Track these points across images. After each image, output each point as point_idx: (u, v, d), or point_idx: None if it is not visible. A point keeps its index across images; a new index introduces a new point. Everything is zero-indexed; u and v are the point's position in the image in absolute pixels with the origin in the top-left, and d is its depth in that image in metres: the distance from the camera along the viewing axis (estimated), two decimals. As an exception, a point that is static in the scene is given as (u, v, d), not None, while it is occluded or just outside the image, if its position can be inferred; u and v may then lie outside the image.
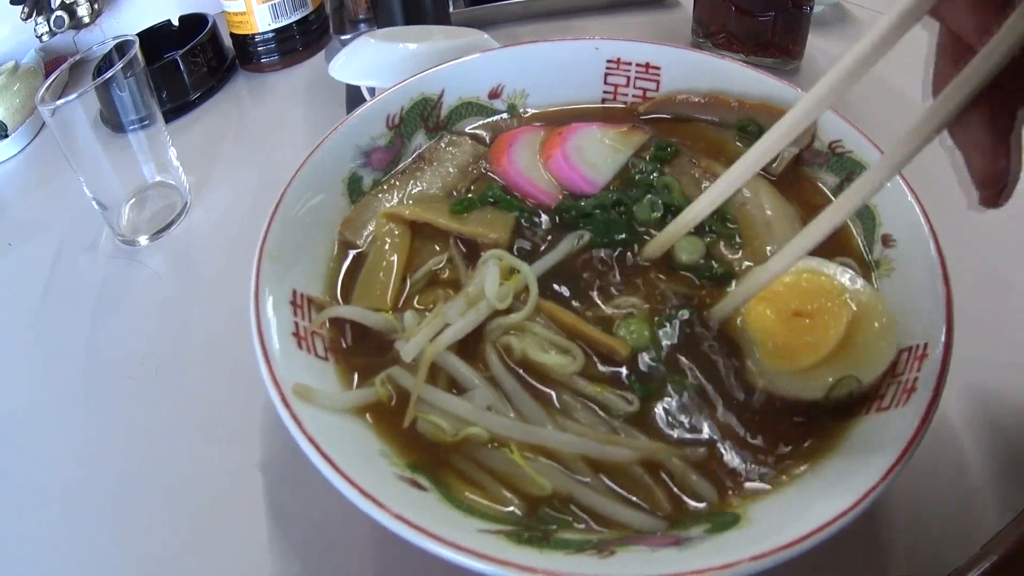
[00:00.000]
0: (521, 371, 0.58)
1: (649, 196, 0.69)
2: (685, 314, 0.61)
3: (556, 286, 0.63)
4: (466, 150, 0.76)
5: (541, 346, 0.59)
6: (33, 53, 1.22)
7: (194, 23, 1.16)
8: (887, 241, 0.64)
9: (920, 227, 0.60)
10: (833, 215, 0.54)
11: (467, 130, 0.79)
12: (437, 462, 0.53)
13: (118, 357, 0.75)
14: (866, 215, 0.67)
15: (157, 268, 0.84)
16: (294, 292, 0.60)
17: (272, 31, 1.14)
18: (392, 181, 0.74)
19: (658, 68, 0.80)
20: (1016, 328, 0.69)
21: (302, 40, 1.18)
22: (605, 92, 0.82)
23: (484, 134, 0.79)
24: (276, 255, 0.61)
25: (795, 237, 0.56)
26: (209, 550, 0.59)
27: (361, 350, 0.61)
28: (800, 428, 0.55)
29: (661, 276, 0.64)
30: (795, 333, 0.58)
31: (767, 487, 0.52)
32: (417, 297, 0.64)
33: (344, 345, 0.61)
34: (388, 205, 0.70)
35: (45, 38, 1.19)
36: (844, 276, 0.60)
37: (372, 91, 0.90)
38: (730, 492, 0.52)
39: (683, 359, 0.59)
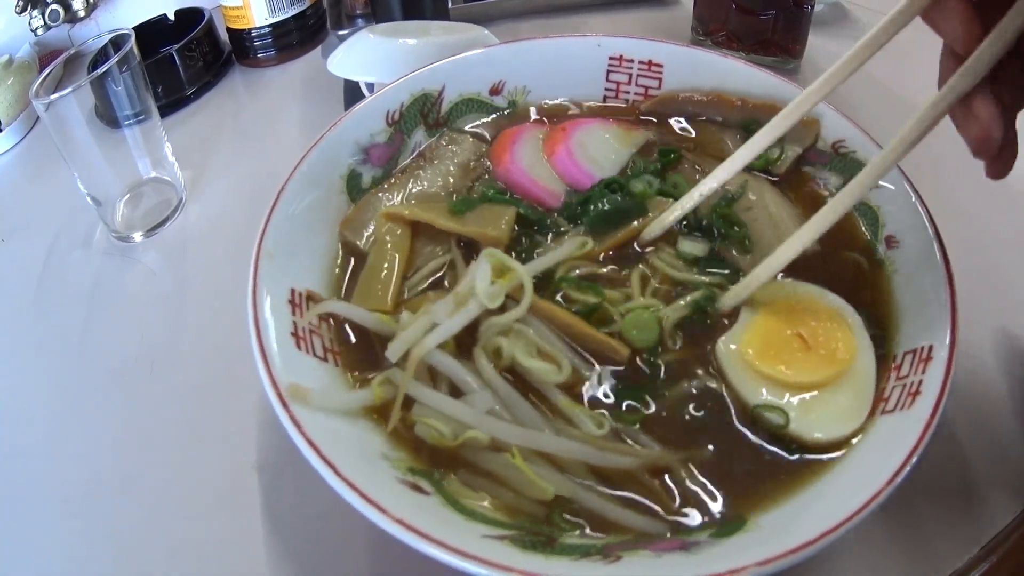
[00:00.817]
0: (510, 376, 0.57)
1: (646, 175, 0.70)
2: (689, 308, 0.61)
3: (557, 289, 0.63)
4: (467, 148, 0.76)
5: (530, 351, 0.58)
6: (27, 47, 1.22)
7: (190, 17, 1.16)
8: (891, 242, 0.64)
9: (924, 229, 0.61)
10: (835, 207, 0.56)
11: (468, 128, 0.79)
12: (440, 465, 0.53)
13: (112, 355, 0.75)
14: (869, 216, 0.67)
15: (152, 265, 0.84)
16: (292, 291, 0.60)
17: (269, 26, 1.13)
18: (392, 180, 0.74)
19: (660, 66, 0.80)
20: (1018, 328, 0.70)
21: (299, 35, 1.18)
22: (607, 89, 0.81)
23: (485, 133, 0.78)
24: (274, 253, 0.60)
25: (801, 229, 0.57)
26: (205, 551, 0.59)
27: (361, 351, 0.60)
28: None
29: (666, 270, 0.64)
30: (786, 345, 0.59)
31: (771, 491, 0.52)
32: (417, 298, 0.63)
33: (342, 346, 0.60)
34: (388, 204, 0.70)
35: (40, 32, 1.19)
36: (863, 336, 0.59)
37: (371, 87, 0.89)
38: (734, 496, 0.52)
39: (685, 361, 0.59)
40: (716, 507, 0.52)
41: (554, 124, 0.77)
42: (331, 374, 0.57)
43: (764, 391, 0.57)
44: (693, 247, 0.66)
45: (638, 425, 0.55)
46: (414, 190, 0.72)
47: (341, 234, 0.68)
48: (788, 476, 0.53)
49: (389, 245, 0.66)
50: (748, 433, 0.55)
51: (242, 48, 1.16)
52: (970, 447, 0.62)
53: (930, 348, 0.54)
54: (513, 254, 0.65)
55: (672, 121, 0.79)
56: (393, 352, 0.55)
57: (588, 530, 0.50)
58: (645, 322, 0.60)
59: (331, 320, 0.61)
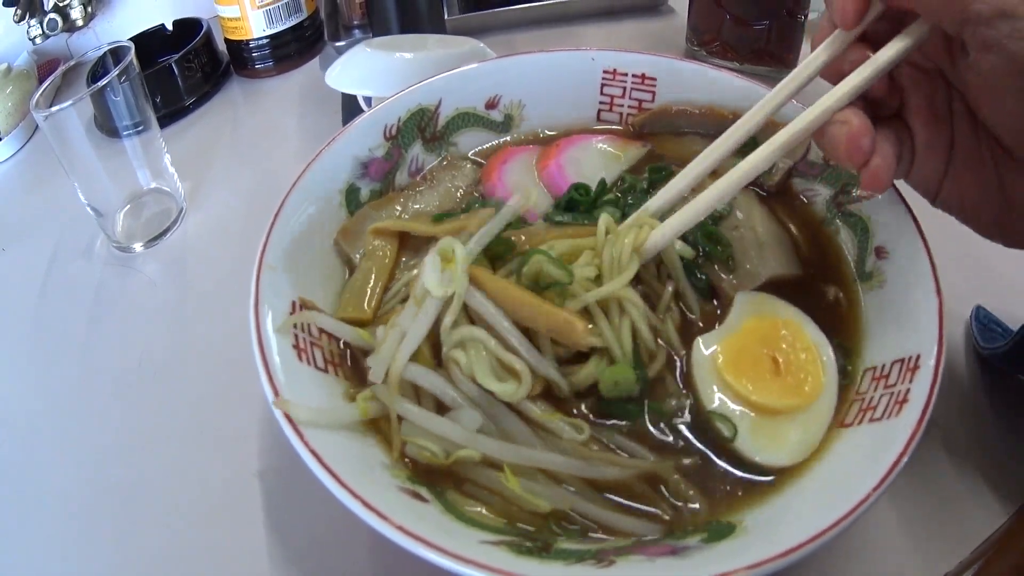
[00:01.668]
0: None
1: (609, 208, 0.69)
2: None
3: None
4: (466, 173, 0.77)
5: (491, 368, 0.56)
6: (26, 55, 1.23)
7: (188, 28, 1.18)
8: (880, 253, 0.65)
9: (914, 238, 0.61)
10: (761, 154, 0.59)
11: (470, 155, 0.80)
12: (437, 480, 0.54)
13: (114, 364, 0.76)
14: (860, 228, 0.68)
15: (153, 275, 0.85)
16: (293, 304, 0.61)
17: (267, 37, 1.15)
18: (390, 196, 0.75)
19: (654, 79, 0.81)
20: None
21: (296, 46, 1.20)
22: (601, 103, 0.83)
23: (484, 162, 0.79)
24: (275, 266, 0.61)
25: (732, 172, 0.60)
26: (207, 557, 0.60)
27: (357, 362, 0.62)
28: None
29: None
30: (758, 364, 0.60)
31: (760, 497, 0.53)
32: (391, 309, 0.64)
33: (342, 357, 0.62)
34: (383, 220, 0.71)
35: (38, 41, 1.21)
36: (832, 376, 0.60)
37: (368, 100, 0.91)
38: (724, 501, 0.53)
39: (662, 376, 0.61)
40: (707, 513, 0.53)
41: (548, 145, 0.78)
42: (331, 385, 0.58)
43: (721, 400, 0.59)
44: (682, 249, 0.67)
45: (625, 433, 0.57)
46: (410, 208, 0.73)
47: (337, 244, 0.70)
48: (777, 483, 0.54)
49: (375, 258, 0.68)
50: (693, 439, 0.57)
51: (240, 59, 1.18)
52: (960, 450, 0.63)
53: (917, 357, 0.55)
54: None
55: (665, 136, 0.80)
56: (375, 374, 0.55)
57: (585, 535, 0.52)
58: (623, 380, 0.57)
59: (330, 335, 0.62)
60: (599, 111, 0.83)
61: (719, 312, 0.65)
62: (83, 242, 0.90)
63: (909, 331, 0.58)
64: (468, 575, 0.43)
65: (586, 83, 0.82)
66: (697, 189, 0.62)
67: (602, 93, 0.82)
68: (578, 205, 0.70)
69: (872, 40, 0.55)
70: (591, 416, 0.58)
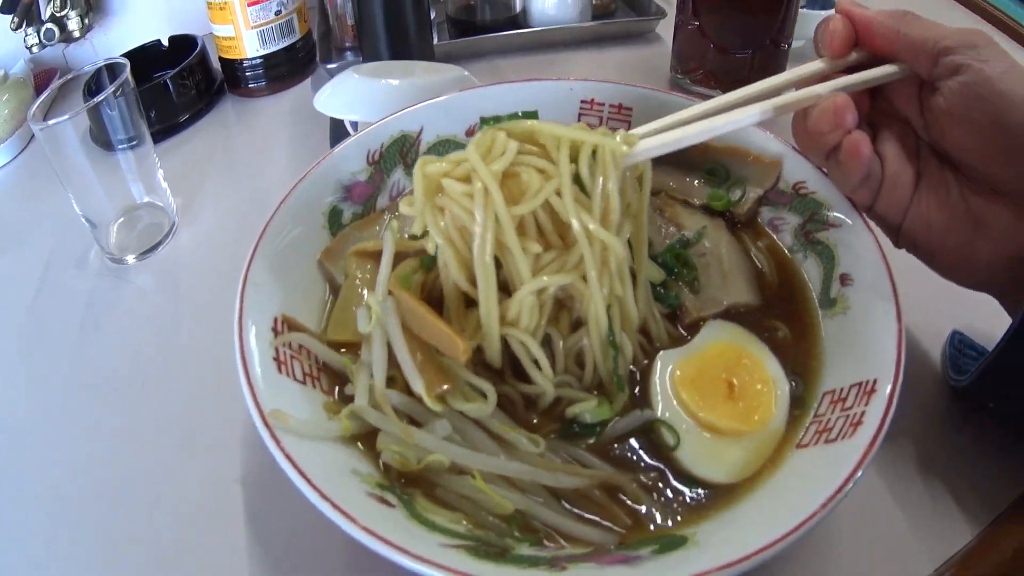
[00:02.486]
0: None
1: None
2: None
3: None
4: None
5: (460, 390, 0.61)
6: (22, 63, 1.26)
7: (183, 44, 1.20)
8: (845, 280, 0.67)
9: (878, 265, 0.64)
10: (750, 111, 0.63)
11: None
12: (408, 485, 0.58)
13: (103, 370, 0.78)
14: (826, 255, 0.70)
15: (144, 286, 0.88)
16: (275, 319, 0.64)
17: (260, 57, 1.18)
18: (371, 218, 0.78)
19: (630, 109, 0.83)
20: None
21: (289, 67, 1.22)
22: (578, 131, 0.85)
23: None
24: (259, 283, 0.64)
25: (721, 116, 0.64)
26: (189, 560, 0.62)
27: (335, 376, 0.65)
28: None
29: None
30: (713, 385, 0.63)
31: (715, 510, 0.56)
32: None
33: (320, 371, 0.65)
34: (364, 242, 0.73)
35: (35, 50, 1.22)
36: (783, 411, 0.62)
37: (355, 124, 0.94)
38: (677, 515, 0.57)
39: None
40: (660, 525, 0.56)
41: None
42: (309, 396, 0.61)
43: (672, 412, 0.62)
44: (652, 271, 0.70)
45: (584, 448, 0.60)
46: (391, 224, 0.74)
47: (320, 264, 0.73)
48: (730, 500, 0.57)
49: (359, 280, 0.70)
50: (690, 457, 0.59)
51: (234, 77, 1.21)
52: (927, 467, 0.65)
53: (874, 381, 0.57)
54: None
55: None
56: (361, 409, 0.59)
57: (544, 542, 0.55)
58: (599, 411, 0.62)
59: (308, 348, 0.65)
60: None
61: (686, 335, 0.68)
62: (77, 252, 0.93)
63: (869, 356, 0.60)
64: (428, 574, 0.46)
65: (564, 112, 0.84)
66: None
67: (579, 122, 0.84)
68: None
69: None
70: (553, 433, 0.62)
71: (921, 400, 0.69)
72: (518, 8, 1.30)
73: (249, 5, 1.13)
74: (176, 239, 0.94)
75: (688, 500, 0.58)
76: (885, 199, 0.63)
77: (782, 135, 0.76)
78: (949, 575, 0.58)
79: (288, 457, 0.51)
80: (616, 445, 0.61)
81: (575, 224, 0.57)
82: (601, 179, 0.58)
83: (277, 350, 0.62)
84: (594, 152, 0.58)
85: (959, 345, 0.69)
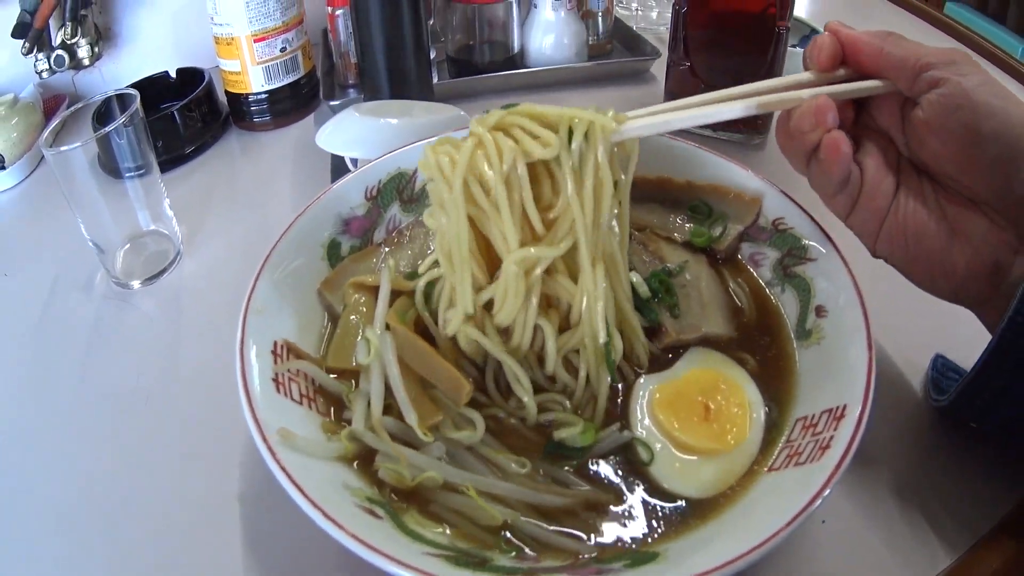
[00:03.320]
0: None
1: None
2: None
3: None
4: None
5: (451, 418, 0.66)
6: (32, 88, 1.29)
7: (191, 77, 1.24)
8: (820, 312, 0.71)
9: (852, 297, 0.67)
10: (735, 106, 0.65)
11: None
12: (402, 500, 0.62)
13: (107, 390, 0.80)
14: (803, 288, 0.74)
15: (149, 311, 0.91)
16: (275, 343, 0.68)
17: (265, 92, 1.22)
18: (369, 250, 0.82)
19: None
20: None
21: (293, 103, 1.26)
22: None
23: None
24: (261, 309, 0.69)
25: (707, 107, 0.67)
26: (188, 570, 0.64)
27: (331, 399, 0.69)
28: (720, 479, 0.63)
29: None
30: (689, 407, 0.67)
31: (686, 530, 0.59)
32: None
33: (316, 393, 0.69)
34: (361, 274, 0.77)
35: (45, 75, 1.26)
36: (757, 432, 0.66)
37: (355, 161, 0.97)
38: (652, 532, 0.60)
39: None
40: (635, 540, 0.59)
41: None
42: (306, 416, 0.65)
43: (647, 430, 0.66)
44: (639, 284, 0.74)
45: (568, 469, 0.64)
46: (387, 263, 0.80)
47: (320, 294, 0.77)
48: (700, 520, 0.60)
49: (357, 310, 0.74)
50: (661, 476, 0.63)
51: (239, 111, 1.25)
52: (907, 492, 0.67)
53: (844, 407, 0.59)
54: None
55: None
56: (360, 432, 0.64)
57: (527, 550, 0.58)
58: (584, 437, 0.66)
59: (306, 374, 0.69)
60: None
61: (666, 355, 0.73)
62: (83, 275, 0.95)
63: (842, 383, 0.62)
64: None
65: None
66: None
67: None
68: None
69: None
70: (538, 455, 0.65)
71: (898, 428, 0.72)
72: (516, 48, 1.35)
73: (255, 41, 1.17)
74: (180, 266, 0.96)
75: (661, 518, 0.61)
76: (864, 207, 0.66)
77: (762, 172, 0.81)
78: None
79: (284, 470, 0.55)
80: (597, 462, 0.65)
81: (569, 187, 0.62)
82: (592, 153, 0.62)
83: (276, 372, 0.66)
84: (587, 134, 0.62)
85: (941, 368, 0.72)
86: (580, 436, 0.66)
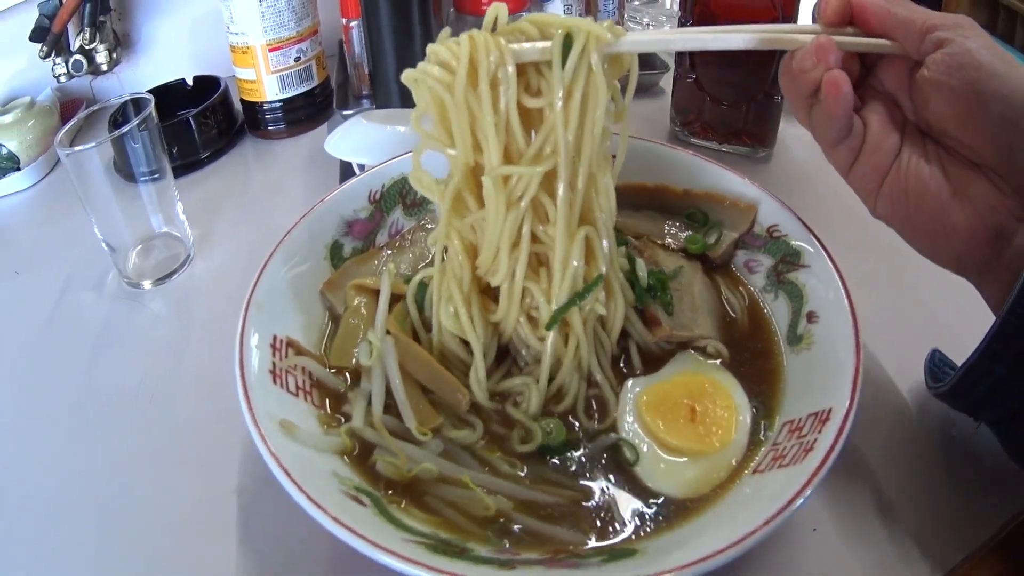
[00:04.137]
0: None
1: None
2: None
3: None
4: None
5: (450, 420, 0.69)
6: (49, 92, 1.33)
7: (207, 84, 1.27)
8: (811, 318, 0.72)
9: (842, 303, 0.68)
10: (736, 38, 0.65)
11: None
12: (398, 493, 0.64)
13: (114, 386, 0.83)
14: (795, 295, 0.75)
15: (159, 311, 0.93)
16: (275, 337, 0.70)
17: (280, 101, 1.24)
18: (371, 253, 0.85)
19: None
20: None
21: (307, 112, 1.28)
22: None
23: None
24: (262, 304, 0.71)
25: (708, 31, 0.66)
26: (183, 563, 0.66)
27: (326, 393, 0.72)
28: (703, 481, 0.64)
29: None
30: (675, 409, 0.69)
31: (667, 528, 0.61)
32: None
33: (312, 387, 0.71)
34: (363, 276, 0.80)
35: (62, 79, 1.29)
36: (742, 436, 0.67)
37: (363, 167, 0.97)
38: (635, 531, 0.61)
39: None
40: (616, 538, 0.61)
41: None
42: (301, 407, 0.67)
43: (634, 431, 0.68)
44: (641, 269, 0.76)
45: (557, 469, 0.66)
46: (387, 265, 0.82)
47: (322, 294, 0.79)
48: (680, 519, 0.62)
49: (358, 312, 0.76)
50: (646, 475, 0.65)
51: (254, 119, 1.27)
52: (898, 499, 0.68)
53: (829, 411, 0.61)
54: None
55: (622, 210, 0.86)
56: (360, 429, 0.67)
57: (507, 544, 0.60)
58: (553, 433, 0.68)
59: (304, 368, 0.71)
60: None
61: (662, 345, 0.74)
62: (95, 275, 0.98)
63: (829, 387, 0.64)
64: (387, 563, 0.51)
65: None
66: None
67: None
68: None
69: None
70: (529, 456, 0.68)
71: (890, 438, 0.73)
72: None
73: (270, 51, 1.19)
74: (191, 268, 0.99)
75: (645, 517, 0.62)
76: (865, 161, 0.66)
77: (768, 185, 0.83)
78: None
79: (273, 454, 0.58)
80: (586, 463, 0.67)
81: (558, 96, 0.61)
82: (586, 60, 0.60)
83: (274, 365, 0.68)
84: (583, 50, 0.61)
85: (938, 363, 0.72)
86: (556, 434, 0.69)
